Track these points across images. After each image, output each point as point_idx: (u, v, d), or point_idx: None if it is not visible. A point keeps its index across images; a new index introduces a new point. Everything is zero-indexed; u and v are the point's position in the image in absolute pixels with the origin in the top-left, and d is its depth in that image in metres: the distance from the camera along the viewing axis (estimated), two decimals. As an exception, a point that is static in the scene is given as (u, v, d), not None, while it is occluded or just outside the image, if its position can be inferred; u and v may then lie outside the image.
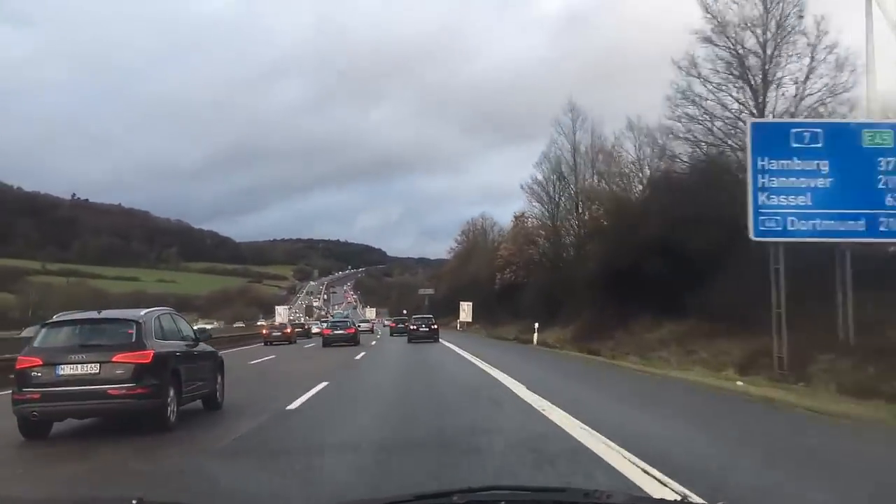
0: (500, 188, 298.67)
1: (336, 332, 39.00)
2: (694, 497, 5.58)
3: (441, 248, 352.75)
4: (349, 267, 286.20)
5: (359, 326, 47.57)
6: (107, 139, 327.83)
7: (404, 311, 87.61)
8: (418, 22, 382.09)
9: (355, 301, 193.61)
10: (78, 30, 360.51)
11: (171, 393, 9.77)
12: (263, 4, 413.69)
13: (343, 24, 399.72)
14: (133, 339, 9.48)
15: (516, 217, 62.27)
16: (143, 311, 10.33)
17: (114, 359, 9.22)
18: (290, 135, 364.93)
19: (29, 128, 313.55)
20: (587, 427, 9.10)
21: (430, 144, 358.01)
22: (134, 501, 2.55)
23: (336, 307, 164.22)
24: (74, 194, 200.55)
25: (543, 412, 10.85)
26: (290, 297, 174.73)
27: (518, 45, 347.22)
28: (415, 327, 43.64)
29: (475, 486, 2.72)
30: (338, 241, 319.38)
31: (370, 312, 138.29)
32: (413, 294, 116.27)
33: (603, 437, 8.34)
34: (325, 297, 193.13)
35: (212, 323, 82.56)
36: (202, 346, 11.77)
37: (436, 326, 43.62)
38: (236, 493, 6.59)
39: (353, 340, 37.61)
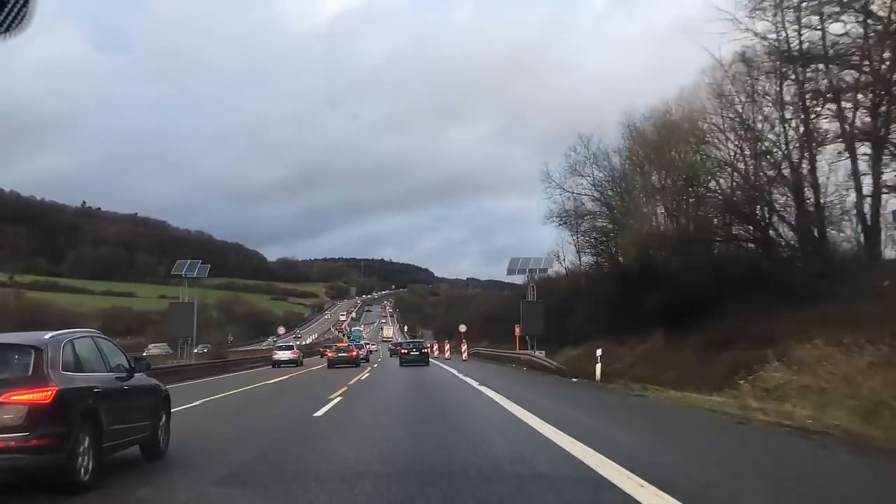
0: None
1: (340, 355, 43.27)
2: None
3: (498, 270, 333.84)
4: (392, 286, 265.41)
5: (369, 348, 60.03)
6: (176, 161, 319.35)
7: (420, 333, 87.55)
8: (507, 38, 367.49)
9: (388, 319, 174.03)
10: (162, 52, 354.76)
11: (85, 442, 6.98)
12: (349, 25, 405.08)
13: (428, 43, 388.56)
14: (30, 372, 6.83)
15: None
16: (49, 334, 7.49)
17: (1, 398, 6.48)
18: (360, 155, 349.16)
19: (104, 148, 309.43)
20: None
21: (502, 164, 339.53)
22: None
23: (361, 326, 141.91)
24: (84, 202, 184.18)
25: None
26: (314, 314, 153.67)
27: (610, 58, 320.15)
28: (405, 351, 46.50)
29: None
30: (382, 259, 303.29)
31: (388, 330, 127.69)
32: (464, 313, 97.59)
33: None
34: (354, 315, 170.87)
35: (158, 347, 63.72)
36: (139, 380, 8.79)
37: (426, 351, 48.08)
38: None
39: (354, 363, 42.16)
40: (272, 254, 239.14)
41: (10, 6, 1.92)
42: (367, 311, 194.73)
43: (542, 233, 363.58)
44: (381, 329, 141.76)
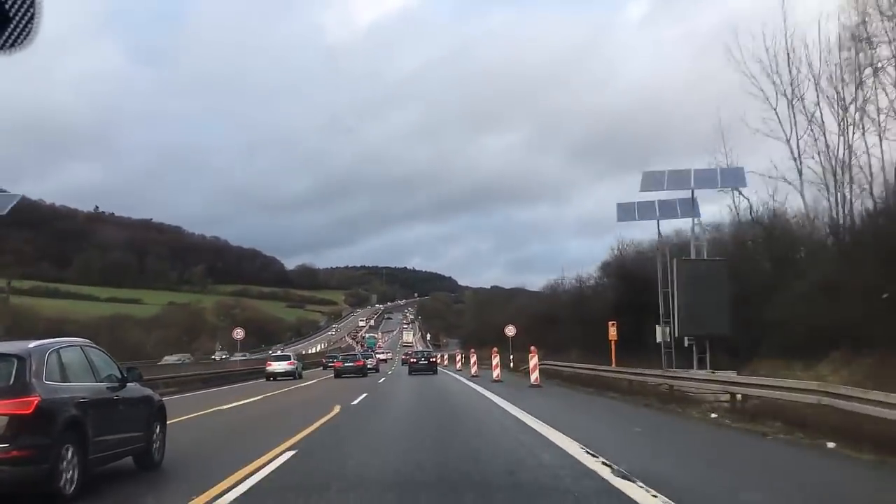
0: (598, 220, 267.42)
1: (346, 364, 43.43)
2: None
3: (523, 279, 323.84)
4: (415, 294, 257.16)
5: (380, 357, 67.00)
6: (207, 172, 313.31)
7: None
8: (543, 47, 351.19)
9: (410, 325, 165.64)
10: (199, 66, 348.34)
11: (69, 454, 6.73)
12: (385, 35, 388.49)
13: (464, 52, 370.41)
14: (11, 381, 6.57)
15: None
16: (34, 343, 7.27)
17: None
18: (390, 165, 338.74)
19: (135, 159, 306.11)
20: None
21: (532, 173, 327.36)
22: None
23: (379, 333, 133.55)
24: (97, 207, 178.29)
25: None
26: (330, 322, 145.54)
27: (647, 67, 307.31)
28: (415, 360, 47.52)
29: None
30: (405, 268, 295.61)
31: (408, 336, 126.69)
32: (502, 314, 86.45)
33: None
34: (373, 323, 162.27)
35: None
36: (131, 390, 8.54)
37: (434, 360, 48.96)
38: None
39: (360, 372, 42.40)
40: (297, 263, 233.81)
41: (14, 23, 1.95)
42: (388, 318, 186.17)
43: (573, 244, 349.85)
44: (402, 334, 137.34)
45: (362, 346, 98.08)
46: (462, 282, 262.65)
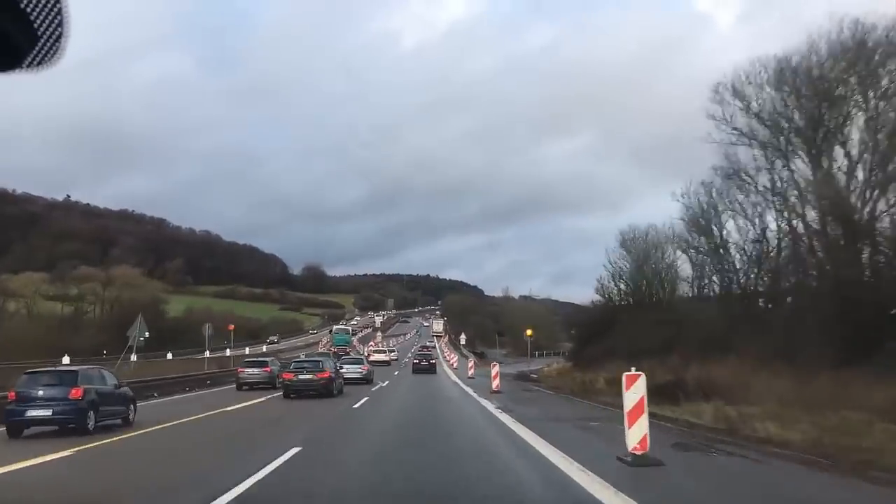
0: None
1: (300, 377, 27.66)
2: None
3: (562, 292, 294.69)
4: (438, 302, 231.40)
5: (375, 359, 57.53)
6: (257, 180, 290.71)
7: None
8: (615, 52, 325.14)
9: (437, 318, 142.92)
10: (263, 73, 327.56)
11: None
12: (454, 42, 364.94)
13: (536, 55, 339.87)
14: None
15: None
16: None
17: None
18: (442, 172, 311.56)
19: (189, 166, 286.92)
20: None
21: (587, 181, 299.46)
22: None
23: (379, 335, 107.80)
24: (68, 195, 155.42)
25: None
26: (326, 325, 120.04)
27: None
28: (417, 361, 53.08)
29: None
30: (427, 275, 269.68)
31: (438, 325, 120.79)
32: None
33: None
34: (377, 322, 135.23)
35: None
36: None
37: (434, 362, 54.46)
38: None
39: (324, 390, 27.08)
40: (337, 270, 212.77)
41: (43, 41, 1.98)
42: (404, 321, 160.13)
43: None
44: (432, 324, 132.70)
45: (330, 348, 70.99)
46: (488, 292, 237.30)
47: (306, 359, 33.46)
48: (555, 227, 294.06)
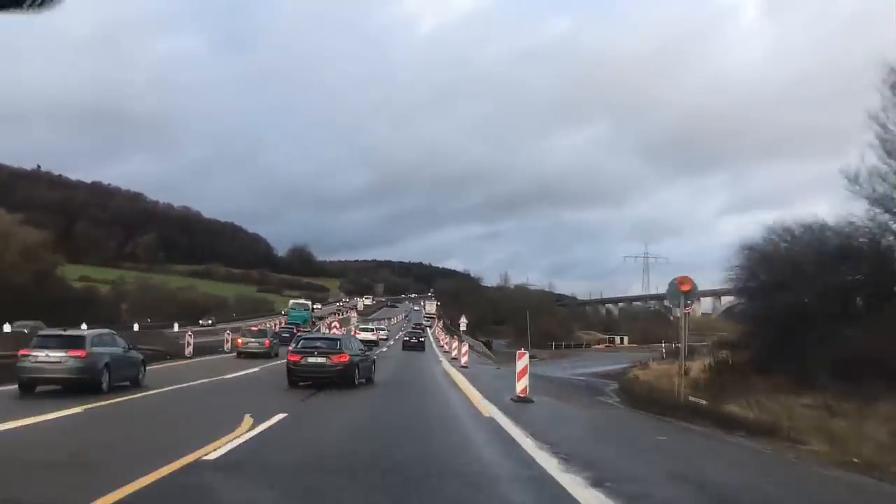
0: (663, 224, 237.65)
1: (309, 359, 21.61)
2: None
3: (561, 284, 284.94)
4: (430, 290, 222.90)
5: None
6: (263, 165, 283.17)
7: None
8: (635, 42, 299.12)
9: (428, 301, 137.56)
10: (276, 59, 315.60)
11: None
12: (472, 27, 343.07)
13: (554, 43, 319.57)
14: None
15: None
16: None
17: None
18: (449, 161, 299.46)
19: (195, 147, 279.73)
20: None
21: (593, 173, 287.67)
22: None
23: (350, 312, 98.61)
24: (39, 166, 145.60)
25: None
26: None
27: (743, 69, 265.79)
28: (407, 339, 54.98)
29: None
30: (420, 263, 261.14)
31: (430, 307, 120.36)
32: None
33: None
34: (361, 306, 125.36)
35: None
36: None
37: (423, 340, 56.31)
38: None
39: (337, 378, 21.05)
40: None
41: None
42: (392, 306, 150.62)
43: (620, 247, 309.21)
44: (424, 306, 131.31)
45: (275, 326, 60.10)
46: (485, 283, 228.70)
47: (319, 336, 28.41)
48: (557, 219, 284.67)
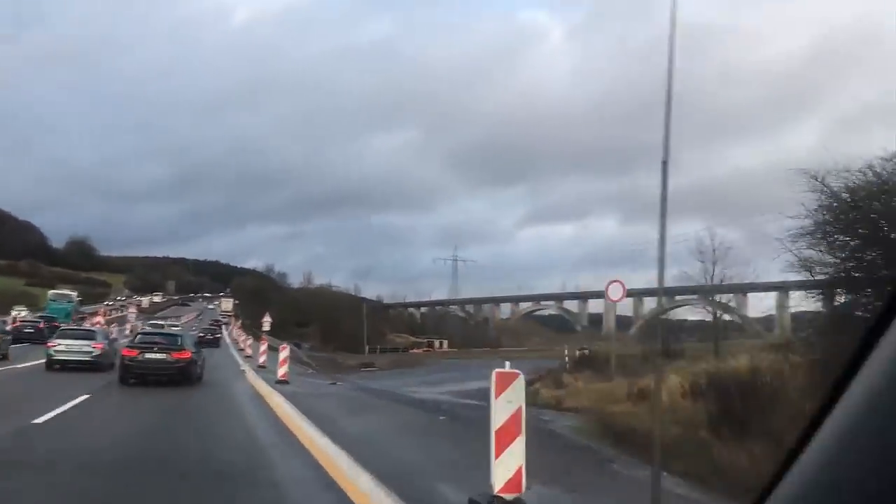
0: (468, 231, 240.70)
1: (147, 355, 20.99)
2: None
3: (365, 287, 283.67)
4: (228, 289, 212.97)
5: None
6: (48, 150, 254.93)
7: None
8: (447, 50, 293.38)
9: (224, 300, 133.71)
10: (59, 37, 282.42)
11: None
12: (288, 24, 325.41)
13: (354, 47, 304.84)
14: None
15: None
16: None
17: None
18: (254, 158, 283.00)
19: None
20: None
21: (401, 179, 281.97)
22: None
23: (133, 309, 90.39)
24: None
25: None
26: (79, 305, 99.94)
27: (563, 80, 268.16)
28: (202, 335, 49.33)
29: None
30: (217, 261, 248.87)
31: (227, 304, 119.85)
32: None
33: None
34: (144, 303, 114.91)
35: None
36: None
37: (219, 336, 57.48)
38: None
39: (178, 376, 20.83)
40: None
41: None
42: (184, 304, 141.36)
43: (427, 252, 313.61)
44: (220, 304, 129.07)
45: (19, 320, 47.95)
46: (288, 283, 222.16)
47: (157, 332, 27.97)
48: (365, 222, 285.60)
